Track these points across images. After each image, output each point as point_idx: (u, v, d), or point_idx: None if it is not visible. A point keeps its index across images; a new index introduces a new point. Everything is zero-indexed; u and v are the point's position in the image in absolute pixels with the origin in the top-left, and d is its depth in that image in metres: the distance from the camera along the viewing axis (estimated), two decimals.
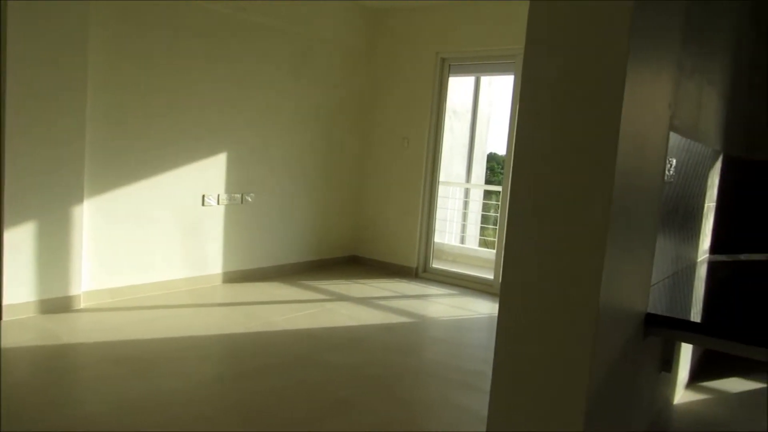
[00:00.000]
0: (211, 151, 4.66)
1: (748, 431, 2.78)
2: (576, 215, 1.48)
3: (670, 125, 2.02)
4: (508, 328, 1.62)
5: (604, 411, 1.70)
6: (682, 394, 3.12)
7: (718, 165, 3.13)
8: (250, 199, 4.99)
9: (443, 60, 5.56)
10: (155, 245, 4.37)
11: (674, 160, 2.18)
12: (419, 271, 5.78)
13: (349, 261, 6.19)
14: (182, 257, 4.57)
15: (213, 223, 4.76)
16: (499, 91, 7.73)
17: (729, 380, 3.43)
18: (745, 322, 1.95)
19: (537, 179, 1.55)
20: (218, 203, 4.76)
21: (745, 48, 3.49)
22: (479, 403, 2.84)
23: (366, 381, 3.07)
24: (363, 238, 6.16)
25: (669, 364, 2.52)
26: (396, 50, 5.81)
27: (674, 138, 2.15)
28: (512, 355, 1.61)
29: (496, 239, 5.71)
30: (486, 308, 4.76)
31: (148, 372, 2.97)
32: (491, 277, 5.37)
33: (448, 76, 5.61)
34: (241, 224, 4.97)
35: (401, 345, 3.72)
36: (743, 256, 3.31)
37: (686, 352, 3.11)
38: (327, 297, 4.74)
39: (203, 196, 4.64)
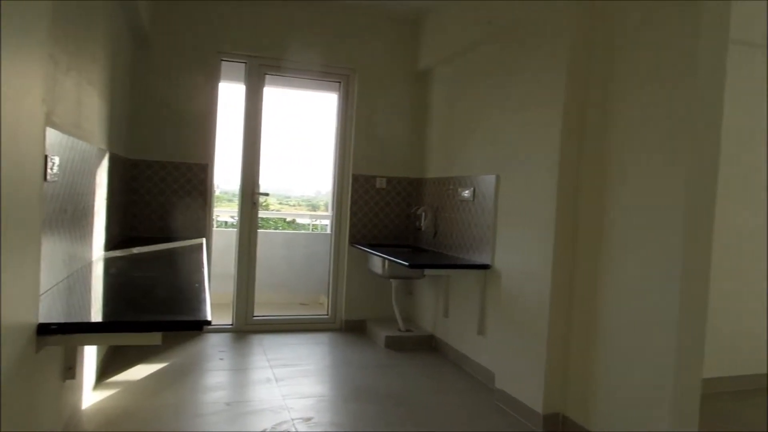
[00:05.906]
0: None
1: (152, 408, 3.01)
2: None
3: (47, 121, 1.91)
4: None
5: None
6: (91, 396, 3.10)
7: (106, 163, 3.21)
8: None
9: None
10: None
11: (57, 158, 2.09)
12: None
13: None
14: None
15: None
16: None
17: (134, 369, 3.62)
18: (138, 312, 2.07)
19: None
20: None
21: (124, 55, 3.70)
22: None
23: None
24: None
25: (73, 370, 2.44)
26: None
27: (55, 135, 2.06)
28: None
29: None
30: None
31: None
32: None
33: None
34: None
35: None
36: (135, 250, 3.53)
37: (92, 352, 3.10)
38: None
39: None
